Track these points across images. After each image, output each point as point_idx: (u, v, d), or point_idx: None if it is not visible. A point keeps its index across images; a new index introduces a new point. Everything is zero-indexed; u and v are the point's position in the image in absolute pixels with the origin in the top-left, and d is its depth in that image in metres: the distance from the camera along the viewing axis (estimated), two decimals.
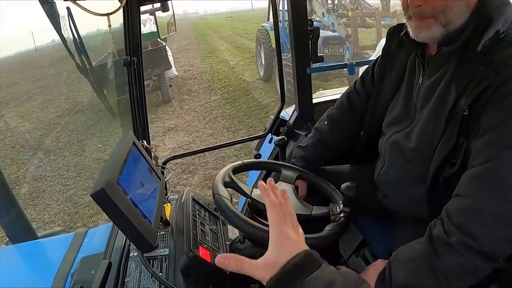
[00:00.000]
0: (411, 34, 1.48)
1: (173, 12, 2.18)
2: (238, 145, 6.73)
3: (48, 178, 6.70)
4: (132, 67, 2.12)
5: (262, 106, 9.64)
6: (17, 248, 2.09)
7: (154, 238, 1.28)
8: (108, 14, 1.77)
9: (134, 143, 1.49)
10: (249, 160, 1.87)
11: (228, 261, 0.98)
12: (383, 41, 8.87)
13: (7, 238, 3.34)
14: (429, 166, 1.45)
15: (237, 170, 1.74)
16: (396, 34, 1.72)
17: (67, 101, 12.45)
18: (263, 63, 11.69)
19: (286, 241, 0.94)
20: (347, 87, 2.14)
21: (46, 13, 2.10)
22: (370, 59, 7.78)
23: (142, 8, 2.09)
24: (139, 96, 2.22)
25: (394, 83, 1.74)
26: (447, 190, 1.35)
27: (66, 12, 4.85)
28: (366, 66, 2.05)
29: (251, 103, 10.01)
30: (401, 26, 1.69)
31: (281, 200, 1.03)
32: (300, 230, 1.02)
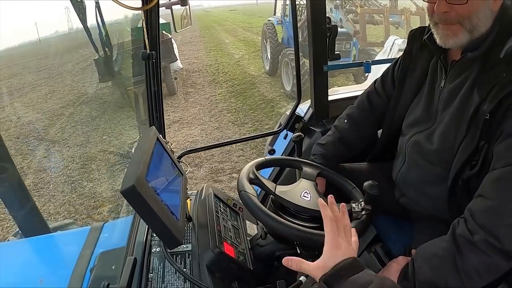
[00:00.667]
0: (438, 41, 1.52)
1: (189, 5, 2.16)
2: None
3: (53, 169, 6.69)
4: (151, 61, 2.11)
5: (268, 100, 9.64)
6: (31, 242, 2.08)
7: (181, 235, 1.31)
8: (142, 8, 1.83)
9: (158, 138, 1.50)
10: (271, 157, 1.88)
11: (292, 262, 1.17)
12: (391, 39, 8.90)
13: (15, 230, 3.34)
14: (449, 167, 1.47)
15: (260, 166, 1.74)
16: (418, 36, 1.76)
17: (71, 92, 12.41)
18: (269, 57, 11.67)
19: (337, 250, 1.11)
20: (359, 84, 2.16)
21: (73, 6, 2.06)
22: (383, 58, 7.79)
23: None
24: (156, 90, 2.22)
25: (415, 85, 1.78)
26: (466, 191, 1.43)
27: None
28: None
29: (256, 97, 10.01)
30: (422, 29, 1.73)
31: (337, 214, 1.20)
32: (354, 238, 1.20)
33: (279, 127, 2.97)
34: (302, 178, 1.71)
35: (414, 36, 1.80)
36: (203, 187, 1.85)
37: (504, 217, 1.21)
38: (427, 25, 1.67)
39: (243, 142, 6.58)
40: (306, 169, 1.78)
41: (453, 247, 1.26)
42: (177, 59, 11.14)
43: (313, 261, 1.21)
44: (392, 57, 7.43)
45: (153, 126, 1.63)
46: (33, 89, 13.61)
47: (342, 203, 1.28)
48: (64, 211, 5.37)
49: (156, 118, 2.30)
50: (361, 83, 6.88)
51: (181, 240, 1.30)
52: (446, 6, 1.41)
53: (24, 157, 7.25)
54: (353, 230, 1.24)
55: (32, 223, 2.96)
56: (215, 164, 6.14)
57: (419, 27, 1.80)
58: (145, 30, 2.00)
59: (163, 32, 10.66)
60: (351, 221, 1.45)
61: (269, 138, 3.25)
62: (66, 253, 1.91)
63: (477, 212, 1.26)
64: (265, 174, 2.90)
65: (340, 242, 1.13)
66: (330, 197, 1.27)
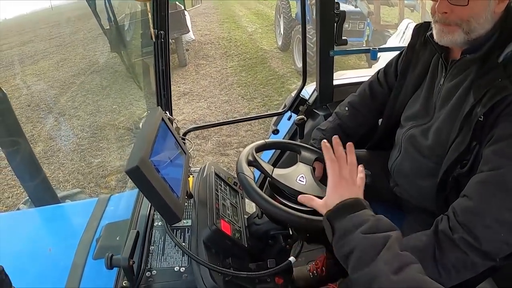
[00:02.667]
0: (434, 37, 1.55)
1: None
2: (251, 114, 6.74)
3: (63, 138, 6.77)
4: (159, 40, 2.15)
5: (279, 76, 9.58)
6: (41, 212, 2.13)
7: (181, 211, 1.38)
8: None
9: (162, 119, 1.55)
10: (271, 140, 1.90)
11: (304, 199, 1.34)
12: (405, 22, 8.80)
13: (25, 198, 3.40)
14: (441, 163, 1.52)
15: (259, 149, 1.77)
16: (422, 31, 1.79)
17: (83, 60, 12.36)
18: (282, 33, 11.54)
19: (339, 189, 1.24)
20: (365, 69, 2.19)
21: None
22: (395, 42, 7.72)
23: None
24: (164, 69, 2.26)
25: (416, 80, 1.82)
26: (455, 188, 1.50)
27: None
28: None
29: (267, 72, 9.95)
30: (427, 24, 1.77)
31: (342, 154, 1.34)
32: (361, 175, 1.32)
33: (283, 108, 3.01)
34: (300, 162, 1.73)
35: (418, 31, 1.84)
36: (205, 165, 1.91)
37: (484, 218, 1.25)
38: None
39: None
40: (305, 153, 1.79)
41: (433, 242, 1.31)
42: (190, 31, 11.04)
43: (306, 241, 1.43)
44: (405, 40, 7.46)
45: (159, 107, 1.70)
46: (45, 57, 13.56)
47: (350, 142, 1.38)
48: (73, 179, 5.46)
49: (163, 96, 2.35)
50: (374, 64, 6.82)
51: (181, 216, 1.36)
52: (447, 7, 1.43)
53: (35, 125, 7.30)
54: (360, 167, 1.34)
55: (42, 194, 3.04)
56: (223, 138, 6.16)
57: (424, 22, 1.83)
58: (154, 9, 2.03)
59: (176, 3, 10.60)
60: None
61: (274, 117, 3.27)
62: (74, 223, 1.97)
63: (459, 210, 1.30)
64: (267, 155, 2.93)
65: (342, 183, 1.26)
66: (335, 138, 1.40)
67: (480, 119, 1.35)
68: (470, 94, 1.44)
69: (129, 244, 1.32)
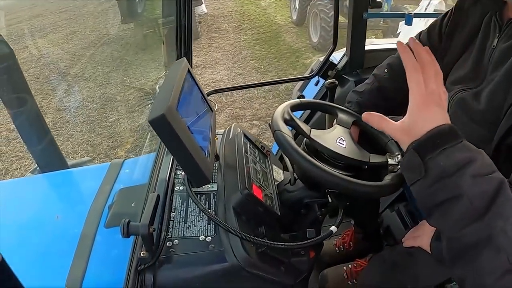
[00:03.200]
0: None
1: None
2: (266, 87, 6.68)
3: (72, 109, 6.68)
4: None
5: (293, 51, 9.48)
6: (48, 177, 2.02)
7: (210, 172, 1.21)
8: None
9: (189, 70, 1.38)
10: (307, 99, 1.75)
11: (372, 117, 1.08)
12: None
13: (34, 167, 3.27)
14: (494, 130, 1.39)
15: (295, 108, 1.60)
16: None
17: (93, 33, 12.22)
18: (297, 7, 11.38)
19: (427, 110, 0.95)
20: (395, 38, 2.07)
21: None
22: (425, 12, 7.53)
23: None
24: (186, 25, 2.11)
25: (464, 42, 1.69)
26: (509, 156, 1.37)
27: None
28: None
29: (281, 46, 9.84)
30: None
31: (425, 59, 1.01)
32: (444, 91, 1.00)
33: (310, 72, 2.89)
34: (338, 124, 1.58)
35: None
36: (230, 126, 1.78)
37: None
38: None
39: (265, 90, 6.55)
40: (342, 115, 1.64)
41: None
42: (202, 3, 11.01)
43: (344, 212, 1.21)
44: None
45: (184, 58, 1.49)
46: (54, 30, 13.50)
47: (426, 46, 1.08)
48: (82, 150, 5.40)
49: (184, 53, 2.19)
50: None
51: (210, 178, 1.19)
52: None
53: (44, 96, 7.21)
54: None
55: (50, 158, 2.89)
56: (236, 110, 6.09)
57: None
58: None
59: None
60: (386, 174, 1.36)
61: (299, 83, 3.15)
62: (84, 189, 1.85)
63: None
64: None
65: (430, 100, 0.96)
66: (412, 38, 1.11)
67: None
68: None
69: (149, 209, 1.16)
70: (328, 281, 2.17)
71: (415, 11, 8.58)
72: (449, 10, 1.81)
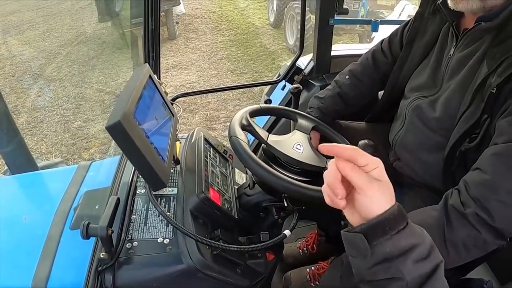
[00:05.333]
0: (449, 4, 1.46)
1: None
2: (241, 89, 6.68)
3: (47, 109, 6.61)
4: None
5: (269, 53, 9.51)
6: (18, 179, 2.02)
7: (166, 176, 1.26)
8: None
9: (150, 76, 1.43)
10: (267, 105, 1.80)
11: (325, 147, 0.87)
12: (402, 3, 8.72)
13: (5, 168, 3.27)
14: (448, 136, 1.45)
15: (254, 113, 1.66)
16: (432, 0, 1.70)
17: (70, 31, 12.11)
18: (274, 9, 11.42)
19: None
20: (363, 43, 2.14)
21: None
22: (392, 19, 7.64)
23: None
24: (154, 28, 2.13)
25: (423, 49, 1.75)
26: (462, 162, 1.43)
27: None
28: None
29: (258, 48, 9.86)
30: None
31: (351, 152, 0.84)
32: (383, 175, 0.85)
33: (278, 77, 2.94)
34: (297, 130, 1.64)
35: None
36: (194, 130, 1.80)
37: (498, 193, 1.17)
38: None
39: (240, 92, 6.56)
40: (302, 121, 1.70)
41: (443, 217, 1.23)
42: (180, 3, 10.93)
43: (307, 215, 1.10)
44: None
45: (146, 64, 1.55)
46: (31, 27, 13.32)
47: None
48: (56, 151, 5.36)
49: (151, 57, 2.22)
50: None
51: (166, 182, 1.25)
52: None
53: (19, 95, 7.16)
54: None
55: (20, 160, 2.88)
56: (211, 112, 6.09)
57: None
58: None
59: None
60: None
61: (267, 88, 3.20)
62: (51, 191, 1.85)
63: (472, 184, 1.22)
64: (259, 124, 2.89)
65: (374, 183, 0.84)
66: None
67: (493, 91, 1.28)
68: (484, 64, 1.38)
69: (108, 211, 1.20)
70: (291, 283, 2.22)
71: (389, 16, 8.72)
72: (410, 19, 1.87)
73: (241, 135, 1.42)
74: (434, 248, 0.88)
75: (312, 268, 2.23)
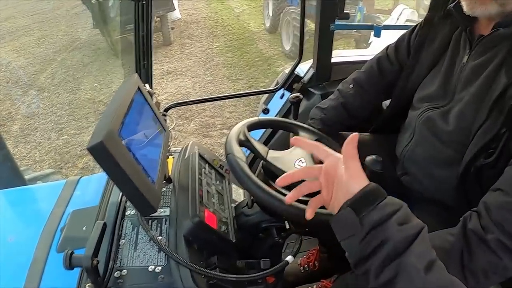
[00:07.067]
0: (464, 8, 1.36)
1: None
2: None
3: (41, 116, 6.60)
4: (140, 3, 1.93)
5: (265, 58, 9.50)
6: (3, 194, 1.92)
7: (157, 200, 1.16)
8: None
9: (139, 88, 1.32)
10: (266, 117, 1.71)
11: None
12: (399, 8, 8.69)
13: None
14: (462, 151, 1.35)
15: (252, 127, 1.54)
16: (442, 4, 1.62)
17: (64, 37, 12.11)
18: (270, 15, 11.39)
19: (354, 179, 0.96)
20: (364, 49, 2.05)
21: None
22: (394, 24, 7.60)
23: None
24: (145, 35, 2.04)
25: (433, 57, 1.64)
26: (477, 179, 1.33)
27: None
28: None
29: (254, 54, 9.85)
30: None
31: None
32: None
33: (276, 85, 2.84)
34: None
35: (437, 3, 1.68)
36: (188, 144, 1.70)
37: None
38: None
39: (236, 98, 6.44)
40: (303, 134, 1.59)
41: (461, 243, 1.12)
42: (176, 9, 10.89)
43: (301, 239, 1.21)
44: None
45: (136, 74, 1.45)
46: (26, 33, 13.32)
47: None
48: (49, 159, 5.34)
49: (142, 66, 2.12)
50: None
51: (156, 206, 1.15)
52: None
53: (13, 102, 7.16)
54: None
55: (5, 173, 2.79)
56: (206, 119, 6.06)
57: None
58: None
59: None
60: None
61: (264, 96, 3.11)
62: (38, 208, 1.76)
63: (493, 207, 1.10)
64: (255, 135, 2.79)
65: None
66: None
67: None
68: (502, 74, 1.28)
69: (93, 239, 1.10)
70: None
71: (387, 21, 8.67)
72: (417, 24, 1.78)
73: (239, 152, 1.32)
74: (412, 215, 0.93)
75: (314, 286, 2.12)
